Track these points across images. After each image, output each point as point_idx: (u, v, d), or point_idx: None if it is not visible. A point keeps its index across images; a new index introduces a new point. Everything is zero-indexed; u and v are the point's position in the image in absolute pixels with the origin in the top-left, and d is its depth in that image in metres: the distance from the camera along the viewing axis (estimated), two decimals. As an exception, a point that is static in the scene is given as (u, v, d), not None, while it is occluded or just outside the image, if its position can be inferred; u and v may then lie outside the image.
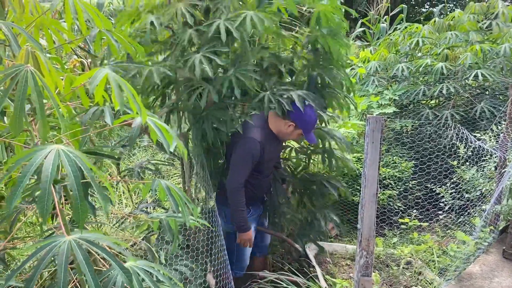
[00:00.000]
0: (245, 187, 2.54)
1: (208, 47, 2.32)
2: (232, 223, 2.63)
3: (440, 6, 9.40)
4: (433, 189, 4.13)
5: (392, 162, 4.45)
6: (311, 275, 2.86)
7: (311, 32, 2.63)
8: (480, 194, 3.71)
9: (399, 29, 6.24)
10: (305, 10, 2.73)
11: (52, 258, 0.91)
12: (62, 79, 1.26)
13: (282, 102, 2.44)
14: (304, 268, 3.02)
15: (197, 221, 1.57)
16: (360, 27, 8.42)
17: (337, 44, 2.60)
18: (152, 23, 2.32)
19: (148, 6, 2.49)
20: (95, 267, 1.46)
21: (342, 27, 2.64)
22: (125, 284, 0.90)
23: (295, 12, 2.48)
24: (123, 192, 4.29)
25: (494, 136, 3.80)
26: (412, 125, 4.76)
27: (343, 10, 2.67)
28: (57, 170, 0.86)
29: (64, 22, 1.96)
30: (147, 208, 2.50)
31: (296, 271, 2.88)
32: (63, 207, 1.19)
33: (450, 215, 3.98)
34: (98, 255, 0.96)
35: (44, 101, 1.21)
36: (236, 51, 2.54)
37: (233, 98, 2.61)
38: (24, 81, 0.93)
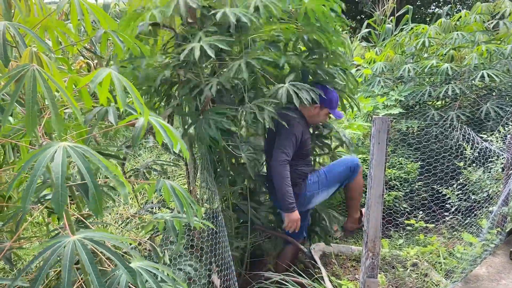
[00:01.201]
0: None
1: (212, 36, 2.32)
2: (279, 203, 2.73)
3: (447, 7, 9.35)
4: (440, 191, 4.10)
5: (398, 163, 4.42)
6: (316, 276, 2.85)
7: (299, 28, 2.64)
8: (487, 196, 3.68)
9: (405, 29, 6.22)
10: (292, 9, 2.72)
11: (58, 258, 0.91)
12: (65, 80, 1.27)
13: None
14: (309, 269, 3.01)
15: (201, 222, 1.57)
16: (366, 28, 8.39)
17: (327, 39, 2.61)
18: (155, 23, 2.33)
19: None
20: (100, 268, 1.46)
21: (331, 22, 2.63)
22: (130, 283, 0.90)
23: (279, 10, 2.48)
24: (129, 193, 4.30)
25: (501, 137, 3.77)
26: (418, 126, 4.73)
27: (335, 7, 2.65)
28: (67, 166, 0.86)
29: (70, 23, 1.97)
30: (152, 208, 2.50)
31: (301, 272, 2.87)
32: (68, 207, 1.20)
33: (457, 216, 3.95)
34: (103, 255, 0.96)
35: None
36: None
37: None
38: (32, 79, 0.94)
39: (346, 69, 2.93)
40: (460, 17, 5.63)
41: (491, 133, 3.95)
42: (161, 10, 2.27)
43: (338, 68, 2.87)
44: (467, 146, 3.86)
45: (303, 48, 2.94)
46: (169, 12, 2.20)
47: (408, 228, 3.89)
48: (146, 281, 0.94)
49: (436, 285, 2.83)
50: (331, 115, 2.91)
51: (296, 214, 2.69)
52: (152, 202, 3.58)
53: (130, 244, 2.49)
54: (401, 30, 7.07)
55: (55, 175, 0.82)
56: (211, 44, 2.20)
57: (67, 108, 1.57)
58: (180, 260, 2.22)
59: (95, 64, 3.89)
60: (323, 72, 2.76)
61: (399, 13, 8.10)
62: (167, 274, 1.06)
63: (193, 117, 2.48)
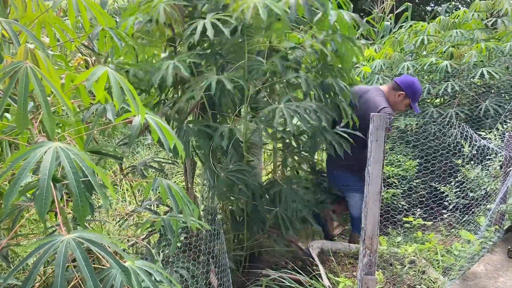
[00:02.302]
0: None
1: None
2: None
3: (446, 4, 9.34)
4: (438, 188, 4.11)
5: (396, 160, 4.42)
6: (314, 273, 2.85)
7: (325, 35, 2.62)
8: (485, 193, 3.68)
9: (404, 27, 6.21)
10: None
11: (55, 256, 0.91)
12: (62, 77, 1.26)
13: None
14: (307, 267, 3.01)
15: (198, 222, 1.57)
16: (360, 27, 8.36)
17: (350, 48, 2.61)
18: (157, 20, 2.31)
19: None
20: (99, 265, 1.46)
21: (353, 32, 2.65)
22: (124, 284, 0.89)
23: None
24: (127, 190, 4.30)
25: (500, 135, 3.77)
26: (417, 124, 4.73)
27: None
28: (56, 168, 0.85)
29: (68, 20, 1.96)
30: (150, 205, 2.50)
31: (299, 270, 2.88)
32: (64, 205, 1.19)
33: (455, 214, 3.95)
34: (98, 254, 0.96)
35: (49, 99, 1.21)
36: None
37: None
38: (25, 77, 0.93)
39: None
40: (459, 15, 5.62)
41: (490, 130, 3.95)
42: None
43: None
44: (465, 143, 3.86)
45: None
46: (162, 18, 2.18)
47: (406, 225, 3.89)
48: (143, 280, 0.93)
49: (433, 282, 2.83)
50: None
51: None
52: (150, 199, 3.58)
53: (128, 241, 2.49)
54: (400, 27, 7.05)
55: (42, 176, 0.81)
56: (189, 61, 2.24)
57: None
58: (176, 262, 2.21)
59: (93, 61, 3.87)
60: (337, 86, 2.69)
61: (398, 10, 8.09)
62: (162, 274, 1.06)
63: (177, 122, 2.43)
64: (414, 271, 3.01)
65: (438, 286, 2.75)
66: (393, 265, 3.14)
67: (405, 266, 3.05)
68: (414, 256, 3.16)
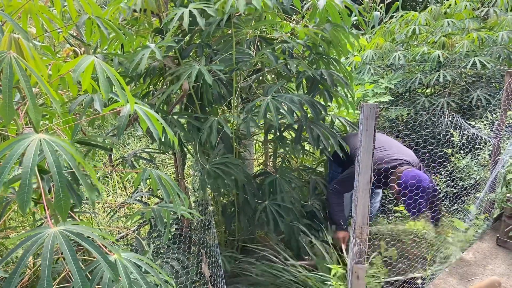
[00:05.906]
0: None
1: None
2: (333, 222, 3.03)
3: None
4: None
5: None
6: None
7: (314, 24, 2.60)
8: (474, 182, 3.71)
9: (395, 17, 6.20)
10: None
11: (41, 248, 0.89)
12: (49, 66, 1.24)
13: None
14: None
15: (189, 212, 1.56)
16: (355, 15, 8.35)
17: (344, 37, 2.59)
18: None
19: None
20: (88, 257, 1.45)
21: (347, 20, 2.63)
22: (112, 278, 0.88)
23: (298, 6, 2.47)
24: (117, 182, 4.28)
25: (489, 124, 3.80)
26: (408, 114, 4.74)
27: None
28: (43, 160, 0.84)
29: (55, 10, 1.93)
30: (141, 197, 2.49)
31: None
32: (52, 198, 1.18)
33: (444, 202, 3.98)
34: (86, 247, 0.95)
35: (35, 90, 1.19)
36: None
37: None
38: (9, 67, 0.91)
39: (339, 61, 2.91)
40: (450, 4, 5.63)
41: (480, 119, 3.98)
42: None
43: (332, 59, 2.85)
44: (455, 133, 3.88)
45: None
46: (138, 6, 2.14)
47: (397, 214, 3.92)
48: (131, 272, 0.93)
49: (423, 270, 2.86)
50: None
51: (341, 233, 3.02)
52: (141, 191, 3.56)
53: (119, 233, 2.48)
54: (391, 17, 7.04)
55: (24, 169, 0.79)
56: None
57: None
58: (167, 253, 2.21)
59: (82, 52, 3.82)
60: (329, 77, 2.65)
61: (389, 0, 8.07)
62: (151, 266, 1.05)
63: (161, 113, 2.39)
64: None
65: (428, 274, 2.78)
66: (383, 254, 3.16)
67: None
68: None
